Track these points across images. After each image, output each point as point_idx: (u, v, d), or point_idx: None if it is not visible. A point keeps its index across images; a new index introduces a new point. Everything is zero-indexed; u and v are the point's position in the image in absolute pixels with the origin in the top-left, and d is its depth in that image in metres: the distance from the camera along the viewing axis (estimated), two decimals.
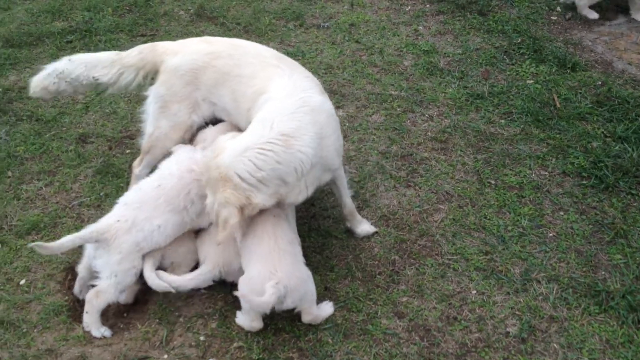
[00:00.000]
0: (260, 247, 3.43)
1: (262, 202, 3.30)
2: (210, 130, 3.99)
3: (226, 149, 3.30)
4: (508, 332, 3.48)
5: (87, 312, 3.49)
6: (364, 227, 4.10)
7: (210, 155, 3.38)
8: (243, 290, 3.32)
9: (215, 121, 4.05)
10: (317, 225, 4.18)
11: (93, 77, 4.05)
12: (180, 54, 3.93)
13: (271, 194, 3.33)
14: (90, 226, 3.48)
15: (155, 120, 4.00)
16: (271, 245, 3.41)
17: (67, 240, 3.42)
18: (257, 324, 3.44)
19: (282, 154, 3.26)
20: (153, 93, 3.98)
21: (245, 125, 3.57)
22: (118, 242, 3.43)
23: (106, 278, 3.46)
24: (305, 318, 3.49)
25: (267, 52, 3.92)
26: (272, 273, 3.30)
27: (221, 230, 3.29)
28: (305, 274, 3.47)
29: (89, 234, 3.44)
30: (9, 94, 5.49)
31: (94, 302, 3.47)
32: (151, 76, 4.04)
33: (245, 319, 3.45)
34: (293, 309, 3.43)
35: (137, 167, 4.16)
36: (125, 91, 4.16)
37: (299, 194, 3.48)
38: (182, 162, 3.75)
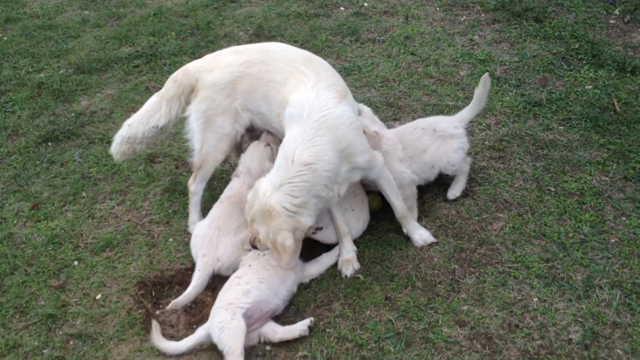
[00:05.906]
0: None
1: (308, 221, 3.63)
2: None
3: (264, 189, 3.60)
4: (571, 339, 3.47)
5: None
6: (421, 232, 4.16)
7: (252, 195, 3.69)
8: None
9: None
10: (377, 236, 4.26)
11: (153, 127, 4.35)
12: (216, 70, 4.12)
13: (313, 211, 3.65)
14: None
15: (201, 136, 4.20)
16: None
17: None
18: None
19: (310, 180, 3.55)
20: (194, 110, 4.18)
21: (277, 128, 3.97)
22: None
23: None
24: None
25: (297, 55, 4.04)
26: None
27: (282, 254, 3.58)
28: None
29: None
30: (81, 118, 5.79)
31: None
32: (190, 97, 4.23)
33: None
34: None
35: (192, 184, 4.37)
36: (179, 120, 4.38)
37: (335, 197, 3.74)
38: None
